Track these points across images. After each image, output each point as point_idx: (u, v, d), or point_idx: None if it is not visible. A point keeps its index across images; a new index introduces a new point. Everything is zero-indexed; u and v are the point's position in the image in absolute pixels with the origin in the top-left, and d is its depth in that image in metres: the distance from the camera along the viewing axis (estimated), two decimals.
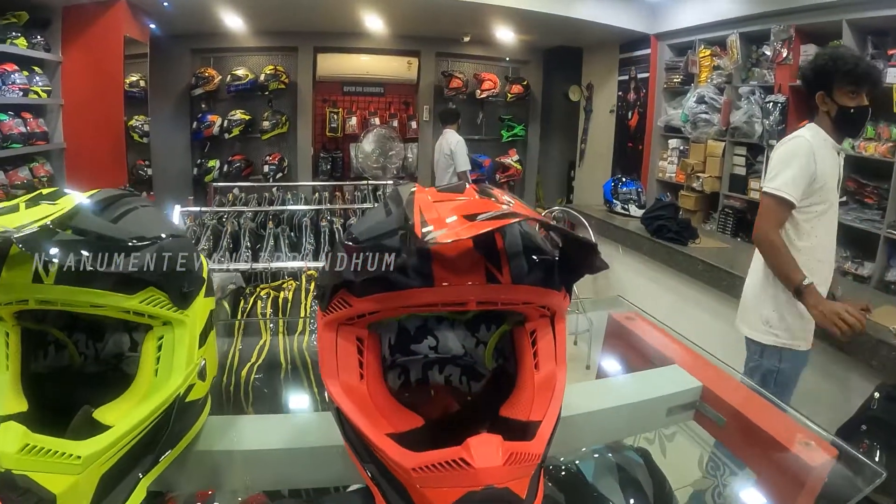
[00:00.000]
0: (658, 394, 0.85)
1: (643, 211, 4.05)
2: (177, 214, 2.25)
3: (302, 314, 1.58)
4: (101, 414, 0.52)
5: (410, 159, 6.55)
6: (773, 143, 3.18)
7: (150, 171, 5.00)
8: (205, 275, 0.66)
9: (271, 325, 1.57)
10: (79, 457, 0.47)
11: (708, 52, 4.51)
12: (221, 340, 1.51)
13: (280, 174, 6.04)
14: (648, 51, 5.23)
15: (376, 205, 0.70)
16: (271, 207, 2.66)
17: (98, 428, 0.51)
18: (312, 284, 1.73)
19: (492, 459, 0.46)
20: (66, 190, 0.58)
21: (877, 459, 1.40)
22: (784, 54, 3.72)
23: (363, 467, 0.54)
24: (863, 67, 1.79)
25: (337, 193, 3.49)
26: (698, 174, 4.57)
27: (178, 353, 0.57)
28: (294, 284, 1.79)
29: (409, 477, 0.48)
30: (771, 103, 3.79)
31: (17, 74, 3.61)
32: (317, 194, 3.16)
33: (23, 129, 3.66)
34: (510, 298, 0.54)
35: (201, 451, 0.66)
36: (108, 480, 0.50)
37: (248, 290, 1.69)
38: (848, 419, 1.51)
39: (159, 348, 0.57)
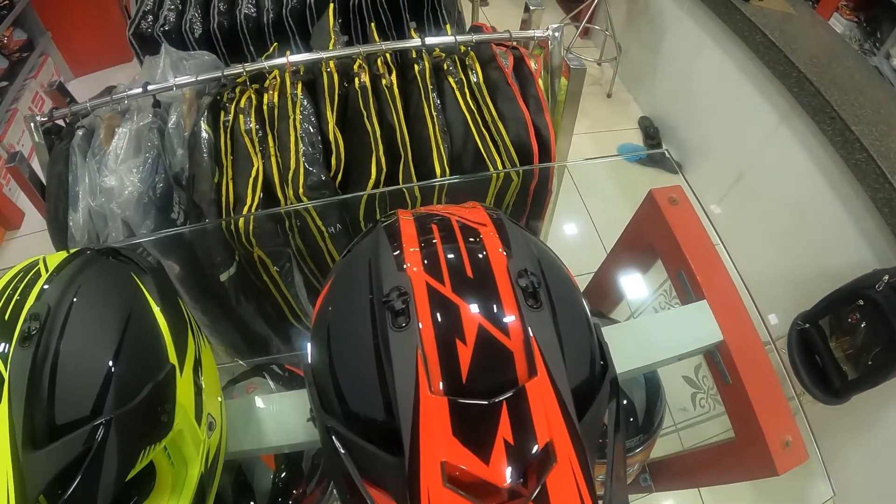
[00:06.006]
0: (677, 350, 0.81)
1: None
2: None
3: (291, 133, 1.41)
4: None
5: None
6: None
7: None
8: (172, 357, 0.54)
9: (261, 149, 1.44)
10: None
11: None
12: (211, 168, 1.41)
13: None
14: None
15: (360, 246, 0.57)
16: None
17: None
18: (299, 87, 1.50)
19: None
20: None
21: (859, 343, 1.45)
22: None
23: None
24: None
25: None
26: None
27: (185, 448, 0.54)
28: (278, 80, 1.56)
29: None
30: None
31: None
32: None
33: None
34: None
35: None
36: None
37: (226, 99, 1.47)
38: (846, 284, 1.51)
39: (165, 449, 0.54)
